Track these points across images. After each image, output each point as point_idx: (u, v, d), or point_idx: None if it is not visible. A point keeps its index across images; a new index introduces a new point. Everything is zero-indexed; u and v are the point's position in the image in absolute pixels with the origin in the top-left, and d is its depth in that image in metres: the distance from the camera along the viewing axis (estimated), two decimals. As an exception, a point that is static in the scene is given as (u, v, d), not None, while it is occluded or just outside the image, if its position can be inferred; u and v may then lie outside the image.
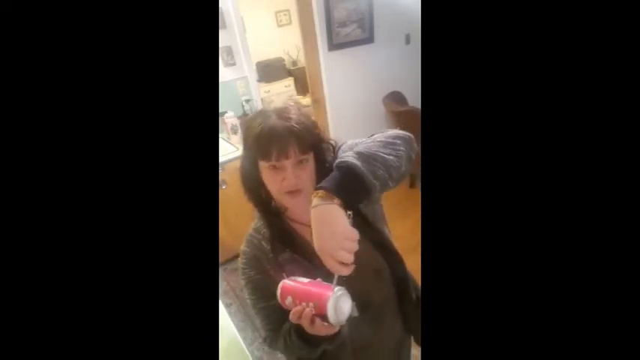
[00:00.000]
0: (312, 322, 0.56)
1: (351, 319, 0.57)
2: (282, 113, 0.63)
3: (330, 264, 0.53)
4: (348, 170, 0.57)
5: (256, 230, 0.74)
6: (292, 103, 0.66)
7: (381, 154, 0.60)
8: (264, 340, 0.76)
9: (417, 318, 0.80)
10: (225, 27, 2.30)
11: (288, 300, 0.59)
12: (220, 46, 2.32)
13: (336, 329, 0.59)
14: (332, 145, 0.70)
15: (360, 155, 0.59)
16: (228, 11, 2.28)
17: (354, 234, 0.53)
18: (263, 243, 0.72)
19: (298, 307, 0.56)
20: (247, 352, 0.95)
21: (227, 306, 1.10)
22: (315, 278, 0.60)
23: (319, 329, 0.57)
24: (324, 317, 0.55)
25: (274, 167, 0.62)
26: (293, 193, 0.64)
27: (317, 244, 0.54)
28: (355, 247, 0.53)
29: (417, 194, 2.73)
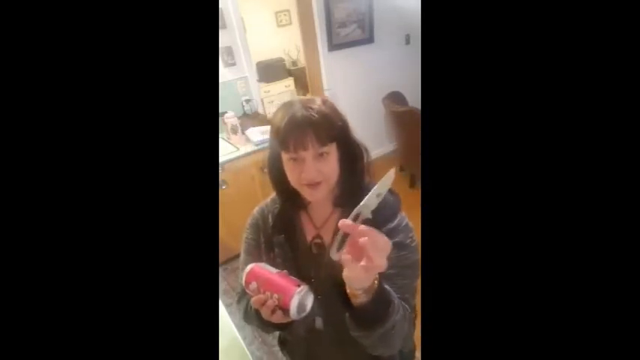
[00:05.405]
0: (273, 312, 0.57)
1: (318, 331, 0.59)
2: (306, 103, 0.62)
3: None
4: (386, 304, 0.56)
5: (273, 201, 0.75)
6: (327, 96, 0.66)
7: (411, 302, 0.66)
8: (237, 301, 0.80)
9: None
10: (225, 27, 2.30)
11: (253, 285, 0.60)
12: (220, 46, 2.32)
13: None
14: (364, 148, 0.68)
15: (403, 303, 0.61)
16: (228, 11, 2.28)
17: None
18: (269, 216, 0.74)
19: (261, 296, 0.57)
20: (247, 352, 0.95)
21: (227, 306, 1.10)
22: (295, 272, 0.61)
23: (277, 319, 0.58)
24: (285, 311, 0.56)
25: (294, 159, 0.62)
26: (312, 185, 0.63)
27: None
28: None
29: (416, 195, 2.72)
